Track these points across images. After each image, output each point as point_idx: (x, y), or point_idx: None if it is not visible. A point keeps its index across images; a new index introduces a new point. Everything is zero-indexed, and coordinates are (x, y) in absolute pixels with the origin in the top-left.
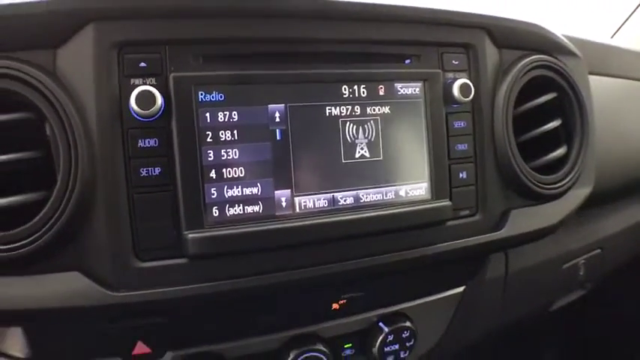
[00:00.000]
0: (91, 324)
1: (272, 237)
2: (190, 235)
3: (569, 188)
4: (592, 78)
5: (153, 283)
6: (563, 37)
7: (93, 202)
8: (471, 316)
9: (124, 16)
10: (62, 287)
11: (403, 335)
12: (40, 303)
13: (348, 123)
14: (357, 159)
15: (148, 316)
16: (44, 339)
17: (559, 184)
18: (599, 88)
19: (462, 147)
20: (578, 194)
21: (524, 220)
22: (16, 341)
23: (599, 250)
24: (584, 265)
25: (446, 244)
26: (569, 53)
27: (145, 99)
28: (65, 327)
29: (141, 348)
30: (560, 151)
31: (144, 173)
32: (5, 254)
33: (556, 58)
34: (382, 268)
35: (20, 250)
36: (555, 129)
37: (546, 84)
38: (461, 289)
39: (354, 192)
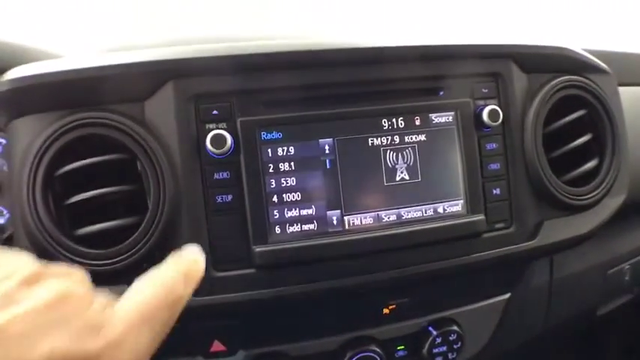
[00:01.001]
0: (176, 325)
1: (325, 250)
2: (257, 249)
3: (601, 198)
4: (624, 89)
5: (226, 289)
6: (589, 56)
7: (178, 224)
8: (516, 321)
9: (197, 73)
10: None
11: (450, 338)
12: None
13: (389, 151)
14: (397, 182)
15: (222, 318)
16: None
17: (590, 195)
18: (632, 99)
19: (494, 166)
20: (612, 203)
21: (557, 229)
22: None
23: None
24: (630, 270)
25: (482, 253)
26: (597, 70)
27: (218, 140)
28: None
29: (217, 346)
30: (592, 164)
31: (219, 200)
32: (105, 268)
33: (583, 76)
34: (423, 276)
35: (118, 264)
36: (587, 142)
37: (576, 102)
38: (507, 295)
39: (396, 210)
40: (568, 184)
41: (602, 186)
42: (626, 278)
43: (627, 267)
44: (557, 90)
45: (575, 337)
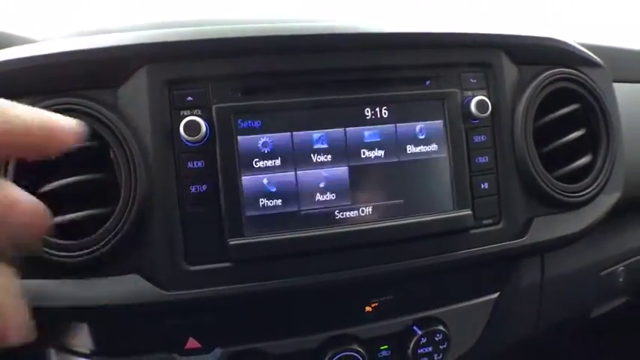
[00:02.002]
0: (148, 321)
1: (304, 244)
2: (232, 242)
3: (595, 195)
4: (620, 85)
5: (200, 283)
6: (583, 49)
7: (150, 215)
8: (506, 322)
9: (172, 58)
10: (123, 287)
11: (436, 338)
12: (104, 301)
13: (372, 142)
14: (380, 174)
15: (197, 313)
16: (107, 336)
17: (584, 192)
18: (627, 96)
19: (482, 159)
20: (606, 201)
21: (549, 227)
22: (81, 337)
23: (639, 257)
24: (624, 271)
25: (469, 250)
26: (591, 64)
27: (192, 127)
28: (126, 325)
29: (192, 343)
30: (585, 160)
31: (193, 190)
32: (75, 260)
33: (577, 69)
34: (407, 273)
35: (88, 256)
36: (581, 138)
37: (569, 95)
38: (495, 295)
39: (379, 204)
40: (560, 181)
41: (596, 183)
42: (620, 280)
43: (621, 268)
44: (550, 82)
45: (568, 340)
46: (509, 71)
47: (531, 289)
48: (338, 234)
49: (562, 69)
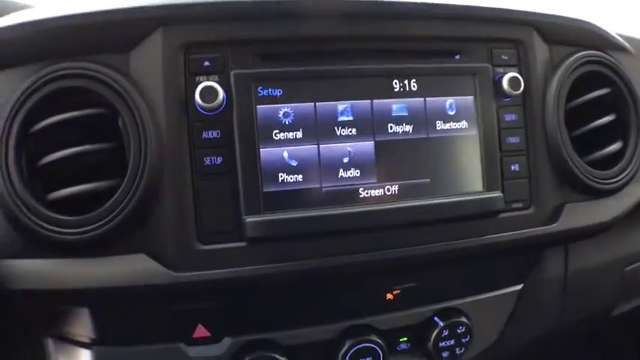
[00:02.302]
0: (153, 307)
1: (325, 223)
2: (248, 220)
3: (625, 184)
4: None
5: (213, 264)
6: (614, 34)
7: (160, 189)
8: (529, 316)
9: (188, 20)
10: (129, 267)
11: (459, 331)
12: (109, 282)
13: (400, 117)
14: (408, 152)
15: (207, 298)
16: (109, 323)
17: (615, 180)
18: None
19: (513, 140)
20: (635, 191)
21: (579, 214)
22: (81, 325)
23: None
24: None
25: (498, 235)
26: (621, 49)
27: (209, 93)
28: (129, 310)
29: (201, 331)
30: (616, 146)
31: (207, 162)
32: (78, 237)
33: (607, 53)
34: (434, 257)
35: (92, 233)
36: (611, 124)
37: (599, 79)
38: (519, 286)
39: (407, 182)
40: (590, 167)
41: (627, 171)
42: None
43: None
44: (582, 64)
45: (587, 340)
46: (541, 50)
47: (555, 281)
48: (362, 213)
49: (594, 51)
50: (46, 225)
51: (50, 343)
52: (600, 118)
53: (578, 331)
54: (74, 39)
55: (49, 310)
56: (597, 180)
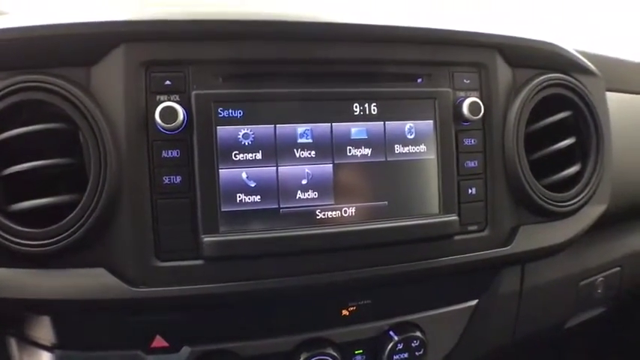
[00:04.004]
0: (113, 317)
1: (281, 244)
2: (206, 239)
3: (581, 206)
4: (612, 95)
5: (170, 281)
6: (579, 55)
7: (119, 205)
8: (483, 330)
9: (151, 37)
10: (88, 281)
11: (413, 345)
12: (67, 294)
13: (358, 140)
14: (366, 175)
15: (165, 311)
16: (69, 329)
17: (571, 202)
18: (619, 105)
19: (471, 164)
20: (592, 212)
21: (534, 236)
22: (43, 329)
23: (618, 268)
24: (602, 282)
25: (453, 257)
26: (586, 71)
27: (169, 113)
28: (89, 319)
29: (159, 342)
30: (574, 169)
31: (166, 181)
32: (38, 249)
33: (571, 76)
34: (389, 279)
35: (52, 247)
36: (570, 146)
37: (561, 102)
38: (474, 302)
39: (363, 205)
40: (547, 189)
41: (584, 193)
42: (599, 291)
43: (600, 279)
44: (544, 87)
45: (540, 349)
46: (503, 73)
47: (510, 297)
48: (319, 235)
49: (557, 74)
50: (6, 236)
51: (12, 343)
52: (560, 140)
53: (531, 343)
54: (34, 51)
55: (11, 315)
56: (554, 203)
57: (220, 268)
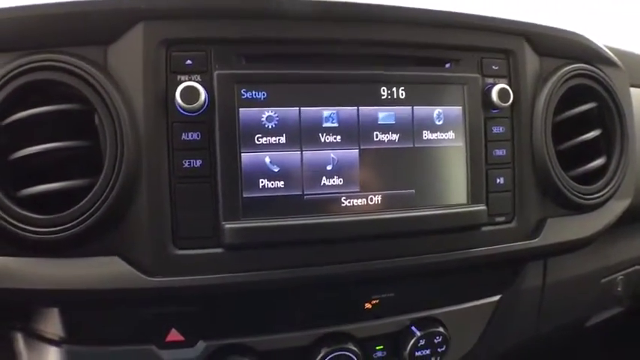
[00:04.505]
0: (126, 309)
1: (306, 232)
2: (227, 226)
3: (607, 199)
4: (634, 90)
5: (188, 270)
6: (604, 48)
7: (136, 190)
8: (505, 326)
9: (172, 15)
10: (101, 270)
11: (435, 341)
12: (79, 284)
13: (386, 125)
14: (393, 162)
15: (182, 303)
16: (79, 322)
17: (597, 195)
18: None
19: (499, 152)
20: (617, 206)
21: (561, 229)
22: (51, 323)
23: (637, 267)
24: (623, 281)
25: (480, 249)
26: (611, 63)
27: (190, 94)
28: (100, 311)
29: (174, 335)
30: (600, 162)
31: (186, 165)
32: (49, 236)
33: (597, 67)
34: (415, 269)
35: (63, 234)
36: (595, 139)
37: (587, 93)
38: (496, 297)
39: (391, 193)
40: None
41: (610, 186)
42: (619, 289)
43: (620, 277)
44: (571, 77)
45: (557, 350)
46: (531, 61)
47: (533, 293)
48: (344, 223)
49: (583, 64)
50: (15, 222)
51: (19, 339)
52: (586, 132)
53: (551, 342)
54: (50, 29)
55: (18, 307)
56: (580, 195)
57: (241, 257)
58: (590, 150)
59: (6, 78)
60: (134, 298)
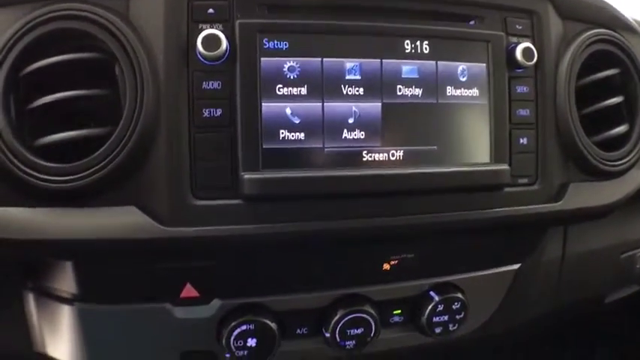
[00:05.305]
0: (140, 264)
1: (326, 184)
2: (246, 176)
3: (629, 168)
4: None
5: (206, 220)
6: (627, 15)
7: (155, 138)
8: (523, 297)
9: None
10: (117, 220)
11: (454, 307)
12: (96, 234)
13: (408, 79)
14: (415, 116)
15: (198, 256)
16: (92, 278)
17: (619, 162)
18: None
19: (523, 112)
20: (638, 176)
21: (583, 194)
22: (63, 279)
23: None
24: None
25: (502, 209)
26: (634, 31)
27: (211, 41)
28: (114, 266)
29: (189, 291)
30: (622, 128)
31: (206, 114)
32: (65, 185)
33: (619, 33)
34: (435, 227)
35: (79, 182)
36: (617, 106)
37: (610, 60)
38: (516, 266)
39: (413, 149)
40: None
41: (632, 154)
42: (638, 266)
43: (639, 254)
44: (594, 42)
45: (572, 328)
46: (555, 23)
47: (552, 263)
48: (364, 177)
49: (607, 30)
50: (31, 172)
51: (30, 297)
52: (608, 98)
53: (568, 317)
54: None
55: (31, 262)
56: (603, 161)
57: (259, 208)
58: (613, 117)
59: (26, 27)
60: (150, 248)
